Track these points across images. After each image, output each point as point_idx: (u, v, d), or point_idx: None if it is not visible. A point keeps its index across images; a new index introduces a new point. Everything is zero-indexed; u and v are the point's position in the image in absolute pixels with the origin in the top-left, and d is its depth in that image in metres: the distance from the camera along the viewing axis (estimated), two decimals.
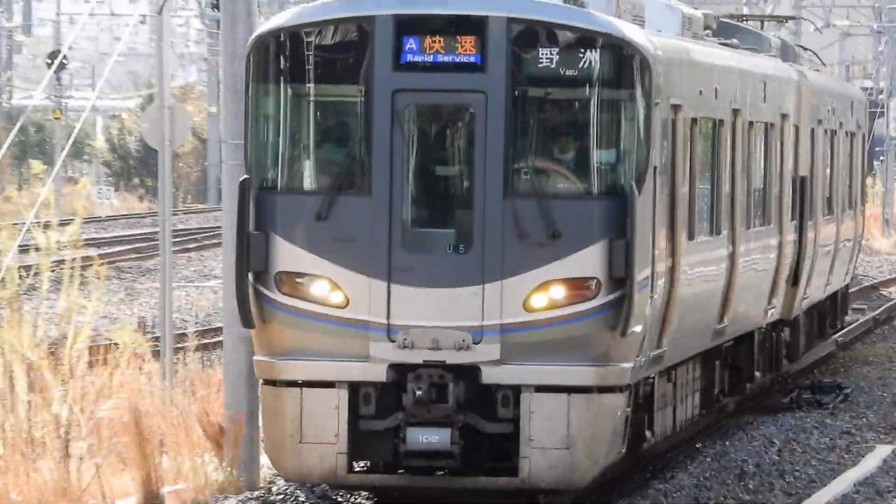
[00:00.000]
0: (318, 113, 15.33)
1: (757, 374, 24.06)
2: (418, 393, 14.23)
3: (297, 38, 14.87)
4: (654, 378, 16.67)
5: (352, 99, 14.96)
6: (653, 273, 15.05)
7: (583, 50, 14.54)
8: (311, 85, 15.00)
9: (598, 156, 14.88)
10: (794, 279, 25.71)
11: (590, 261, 14.32)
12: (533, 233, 14.34)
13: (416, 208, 14.81)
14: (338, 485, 15.21)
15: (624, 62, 14.66)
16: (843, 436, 22.34)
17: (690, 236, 17.62)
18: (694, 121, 17.74)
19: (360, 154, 14.78)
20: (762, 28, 27.63)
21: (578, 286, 14.34)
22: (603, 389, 14.41)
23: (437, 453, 14.33)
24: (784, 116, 24.11)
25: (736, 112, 20.19)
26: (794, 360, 27.92)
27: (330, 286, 14.49)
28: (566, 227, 14.32)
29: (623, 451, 15.14)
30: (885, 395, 27.17)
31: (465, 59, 14.49)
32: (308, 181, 15.21)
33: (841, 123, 30.72)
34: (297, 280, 14.59)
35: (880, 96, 73.90)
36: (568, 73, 14.56)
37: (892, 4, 79.12)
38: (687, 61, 17.50)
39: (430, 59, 14.55)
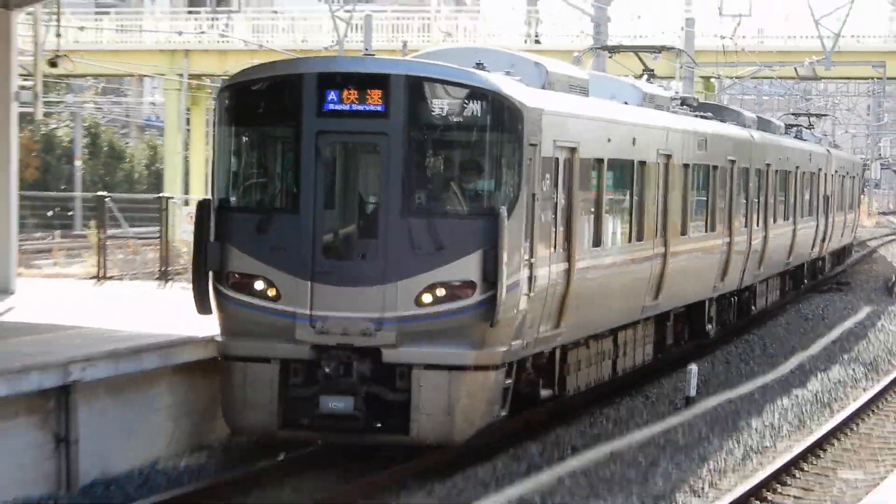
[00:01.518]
0: (261, 149, 19.57)
1: (756, 306, 37.50)
2: (327, 370, 17.88)
3: (246, 91, 18.97)
4: (553, 350, 20.87)
5: (287, 138, 18.78)
6: (531, 276, 18.68)
7: (465, 101, 18.15)
8: (257, 127, 19.17)
9: (476, 185, 18.63)
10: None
11: (467, 267, 17.90)
12: (424, 245, 17.98)
13: (333, 225, 18.61)
14: (271, 438, 18.87)
15: (497, 111, 18.20)
16: (849, 303, 46.42)
17: (597, 243, 22.34)
18: (599, 161, 22.28)
19: (291, 181, 18.59)
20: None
21: (458, 287, 17.95)
22: (478, 368, 17.97)
23: (343, 416, 17.88)
24: (732, 161, 32.16)
25: (667, 157, 26.23)
26: (824, 273, 54.30)
27: (266, 284, 18.27)
28: (450, 241, 17.94)
29: (503, 413, 18.79)
30: (867, 285, 55.46)
31: (372, 108, 18.10)
32: (253, 202, 19.24)
33: (820, 168, 46.48)
34: (244, 278, 18.39)
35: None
36: (453, 119, 18.20)
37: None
38: (591, 117, 21.97)
39: (346, 107, 18.18)
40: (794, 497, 19.03)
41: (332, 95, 18.11)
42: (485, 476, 19.10)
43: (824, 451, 21.71)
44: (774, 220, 38.07)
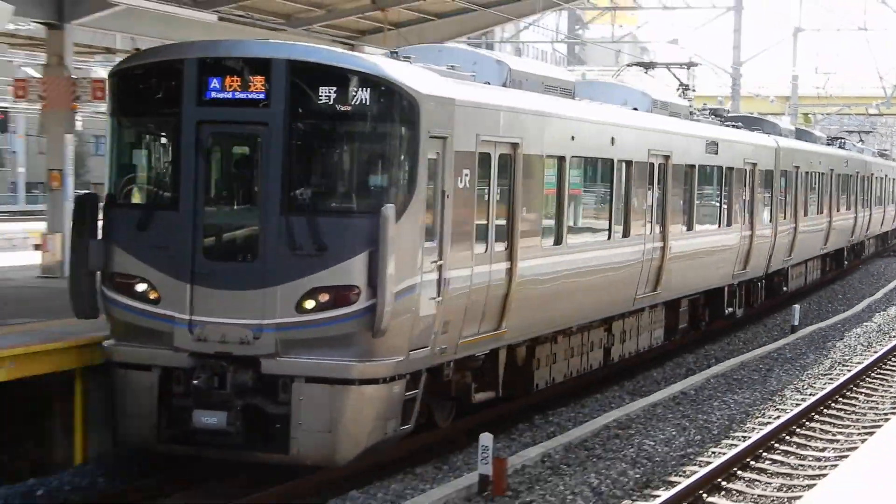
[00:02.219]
0: (144, 140, 17.50)
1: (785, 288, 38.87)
2: (196, 381, 15.85)
3: (130, 78, 17.04)
4: (496, 351, 19.05)
5: (167, 129, 16.82)
6: (441, 279, 16.62)
7: (352, 88, 15.89)
8: (139, 117, 17.14)
9: (363, 181, 16.46)
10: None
11: (351, 271, 15.68)
12: (305, 245, 15.76)
13: (213, 223, 16.38)
14: (149, 451, 16.74)
15: (387, 100, 16.03)
16: None
17: (558, 241, 20.73)
18: (559, 158, 20.54)
19: (171, 176, 16.60)
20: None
21: (342, 292, 15.69)
22: (364, 381, 15.75)
23: (216, 432, 15.79)
24: (753, 164, 32.64)
25: (666, 157, 25.61)
26: (866, 253, 58.54)
27: (147, 286, 16.30)
28: (333, 241, 15.74)
29: (406, 427, 16.63)
30: None
31: (254, 96, 15.98)
32: (134, 197, 17.26)
33: (832, 169, 45.32)
34: (126, 279, 16.46)
35: None
36: (339, 108, 15.90)
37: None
38: (540, 112, 19.81)
39: (229, 95, 16.07)
40: (865, 394, 24.44)
41: (214, 83, 16.12)
42: (657, 375, 26.26)
43: (885, 364, 28.17)
44: (805, 214, 39.64)
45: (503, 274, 18.52)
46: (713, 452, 18.75)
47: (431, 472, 17.44)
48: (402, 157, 16.20)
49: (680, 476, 17.21)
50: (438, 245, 16.64)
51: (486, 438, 16.21)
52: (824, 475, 16.83)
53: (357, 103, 15.90)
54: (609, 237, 23.08)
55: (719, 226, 29.87)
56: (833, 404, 22.89)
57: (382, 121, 16.16)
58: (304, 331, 15.76)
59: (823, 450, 19.52)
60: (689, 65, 35.57)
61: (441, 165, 16.63)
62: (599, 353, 23.55)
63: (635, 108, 25.56)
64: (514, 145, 18.70)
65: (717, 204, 29.89)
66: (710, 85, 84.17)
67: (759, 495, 16.75)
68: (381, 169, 16.31)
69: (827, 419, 21.72)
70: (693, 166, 27.42)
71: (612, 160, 22.93)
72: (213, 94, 16.15)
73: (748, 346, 30.92)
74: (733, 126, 33.96)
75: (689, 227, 27.47)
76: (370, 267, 15.57)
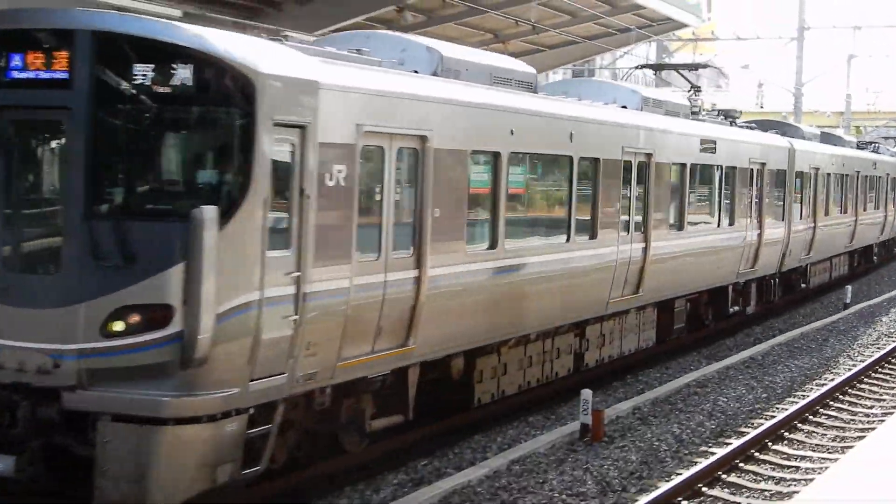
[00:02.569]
0: None
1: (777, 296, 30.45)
2: None
3: None
4: (405, 370, 14.14)
5: None
6: (299, 292, 11.66)
7: (171, 66, 11.05)
8: None
9: (184, 177, 11.66)
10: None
11: (164, 286, 10.77)
12: (111, 256, 10.90)
13: (12, 228, 11.51)
14: None
15: (216, 80, 11.15)
16: None
17: (492, 245, 15.61)
18: (493, 154, 15.52)
19: None
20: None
21: (154, 312, 10.82)
22: (182, 421, 10.86)
23: (1, 479, 11.01)
24: (762, 164, 27.18)
25: (647, 155, 20.35)
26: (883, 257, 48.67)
27: None
28: (143, 250, 10.88)
29: (256, 469, 11.70)
30: None
31: (57, 75, 11.17)
32: None
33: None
34: None
35: None
36: (156, 89, 11.07)
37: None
38: (458, 102, 14.61)
39: (31, 75, 11.29)
40: None
41: (16, 60, 11.32)
42: (730, 343, 26.18)
43: None
44: (827, 213, 33.92)
45: (410, 284, 13.64)
46: (777, 408, 18.61)
47: (541, 420, 17.39)
48: (232, 149, 11.25)
49: (749, 427, 17.06)
50: (295, 254, 11.70)
51: (586, 393, 16.11)
52: (872, 429, 16.74)
53: (177, 84, 11.06)
54: (568, 240, 17.77)
55: (718, 225, 24.61)
56: (880, 369, 22.63)
57: (208, 104, 11.26)
58: (111, 358, 10.87)
59: (871, 407, 19.31)
60: (697, 66, 30.65)
61: (298, 160, 11.68)
62: (568, 359, 18.68)
63: (624, 106, 20.79)
64: (422, 138, 13.68)
65: (716, 203, 24.67)
66: (776, 103, 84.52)
67: (815, 444, 16.56)
68: (206, 163, 11.67)
69: (875, 382, 21.47)
70: (684, 165, 22.33)
71: (570, 157, 17.61)
72: (15, 74, 11.37)
73: (807, 319, 30.47)
74: (747, 128, 29.05)
75: (680, 228, 22.33)
76: (187, 282, 10.78)
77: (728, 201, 25.11)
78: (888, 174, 45.95)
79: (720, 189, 24.70)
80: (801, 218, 31.05)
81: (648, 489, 13.66)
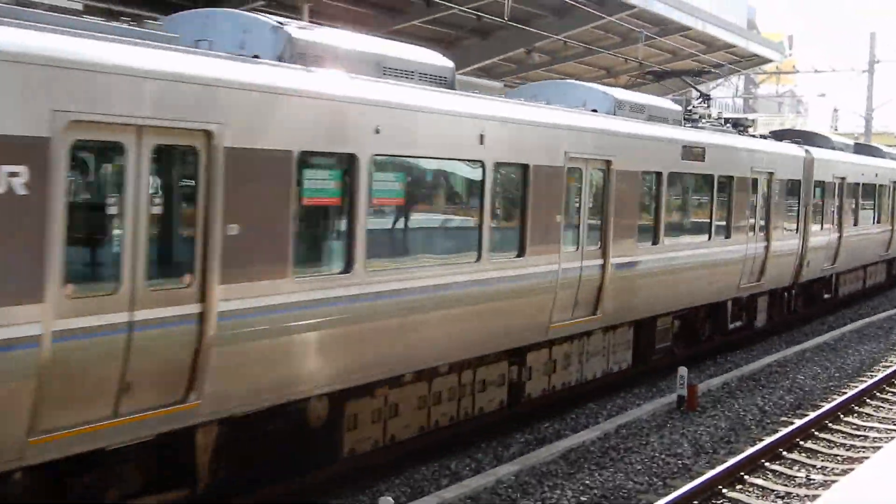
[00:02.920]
0: None
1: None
2: None
3: None
4: (191, 432, 9.08)
5: None
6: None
7: None
8: None
9: None
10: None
11: None
12: None
13: None
14: None
15: None
16: None
17: (346, 268, 10.18)
18: (353, 157, 10.21)
19: None
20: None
21: None
22: None
23: None
24: (770, 172, 21.39)
25: (606, 162, 15.01)
26: None
27: None
28: None
29: None
30: None
31: None
32: None
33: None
34: None
35: None
36: None
37: None
38: (266, 88, 9.21)
39: None
40: None
41: None
42: (807, 330, 24.93)
43: None
44: (856, 223, 27.70)
45: (186, 325, 8.50)
46: (848, 385, 18.04)
47: (645, 392, 17.10)
48: None
49: (823, 401, 16.58)
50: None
51: (682, 370, 15.79)
52: None
53: None
54: (478, 259, 12.30)
55: (710, 238, 18.71)
56: None
57: None
58: None
59: None
60: (701, 73, 26.30)
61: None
62: (500, 391, 13.57)
63: (594, 110, 15.65)
64: (207, 134, 8.64)
65: (707, 215, 18.67)
66: (850, 126, 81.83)
67: (882, 417, 15.94)
68: None
69: None
70: (659, 173, 16.62)
71: (480, 162, 12.26)
72: None
73: (874, 311, 29.15)
74: (762, 137, 23.47)
75: (655, 242, 16.61)
76: None
77: (723, 212, 19.15)
78: None
79: (712, 199, 18.80)
80: (822, 228, 24.88)
81: (736, 452, 13.38)
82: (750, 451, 13.05)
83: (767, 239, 21.49)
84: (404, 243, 11.57)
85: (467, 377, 13.02)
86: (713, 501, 11.53)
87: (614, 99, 16.36)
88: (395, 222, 11.38)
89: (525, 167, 13.26)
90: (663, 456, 13.25)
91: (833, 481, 12.11)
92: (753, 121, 25.08)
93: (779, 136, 25.94)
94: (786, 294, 23.92)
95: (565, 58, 30.91)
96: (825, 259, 25.59)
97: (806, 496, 11.78)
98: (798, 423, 14.66)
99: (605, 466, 12.77)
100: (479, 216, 12.49)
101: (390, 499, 9.66)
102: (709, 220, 18.76)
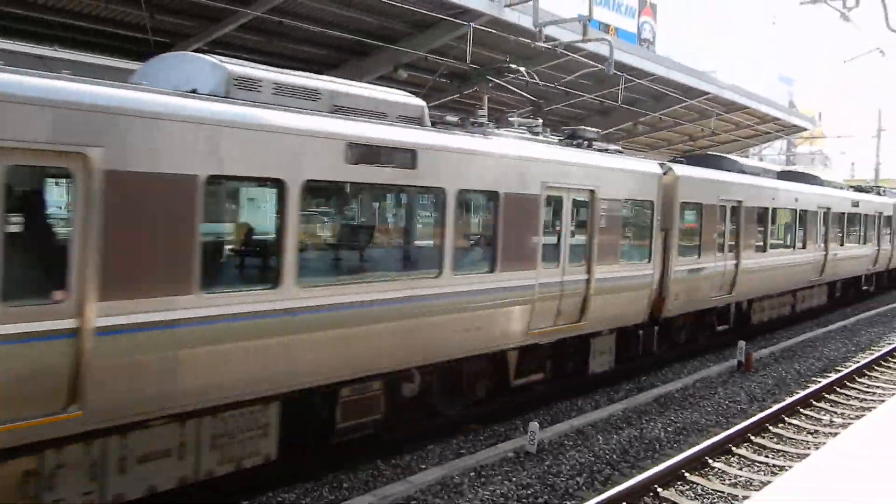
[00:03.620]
0: None
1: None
2: None
3: None
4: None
5: None
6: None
7: None
8: None
9: None
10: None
11: None
12: None
13: None
14: None
15: None
16: None
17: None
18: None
19: None
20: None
21: None
22: None
23: None
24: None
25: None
26: None
27: None
28: None
29: None
30: None
31: None
32: None
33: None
34: None
35: None
36: None
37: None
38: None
39: None
40: None
41: None
42: (832, 317, 22.09)
43: None
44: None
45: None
46: (861, 356, 17.01)
47: (714, 358, 16.48)
48: None
49: (843, 367, 15.72)
50: None
51: (741, 344, 15.30)
52: None
53: None
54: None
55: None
56: None
57: None
58: None
59: None
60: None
61: None
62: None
63: (194, 90, 7.00)
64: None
65: (425, 239, 9.13)
66: (865, 173, 76.46)
67: (887, 379, 15.00)
68: None
69: None
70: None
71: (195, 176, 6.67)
72: None
73: (880, 304, 26.44)
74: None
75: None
76: None
77: (461, 238, 9.36)
78: (880, 213, 25.28)
79: (444, 221, 9.01)
80: (699, 256, 14.48)
81: (780, 400, 12.95)
82: (788, 400, 12.64)
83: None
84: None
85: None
86: (762, 434, 11.26)
87: (227, 71, 7.31)
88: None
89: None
90: (726, 402, 12.91)
91: (850, 423, 11.67)
92: (597, 132, 12.83)
93: (690, 158, 17.47)
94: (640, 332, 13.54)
95: (661, 128, 30.54)
96: (711, 288, 15.21)
97: (829, 433, 11.39)
98: (823, 381, 14.07)
99: (685, 408, 12.54)
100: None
101: (536, 423, 9.73)
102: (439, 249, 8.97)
